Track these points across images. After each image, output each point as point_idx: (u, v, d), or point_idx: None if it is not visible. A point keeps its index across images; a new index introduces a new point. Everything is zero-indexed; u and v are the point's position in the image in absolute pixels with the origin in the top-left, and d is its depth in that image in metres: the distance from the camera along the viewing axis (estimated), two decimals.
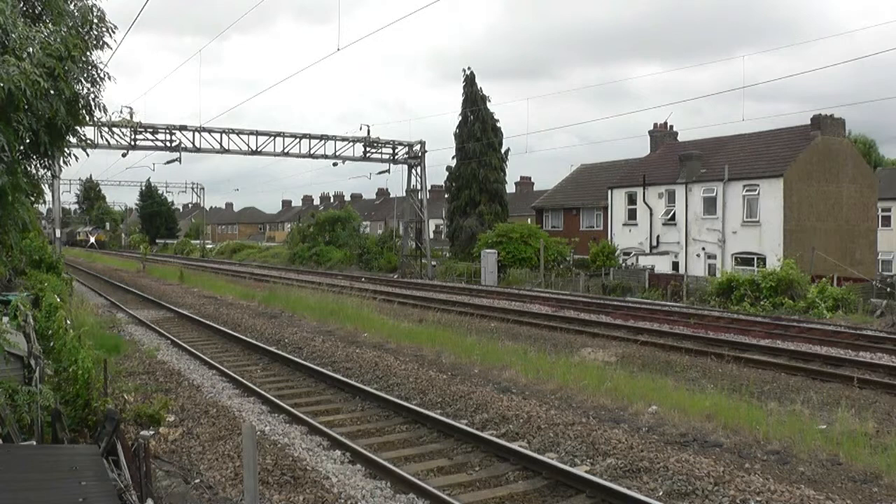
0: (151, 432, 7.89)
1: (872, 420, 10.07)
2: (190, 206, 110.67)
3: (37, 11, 7.49)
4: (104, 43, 7.72)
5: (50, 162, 8.32)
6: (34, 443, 6.97)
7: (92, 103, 7.69)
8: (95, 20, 7.48)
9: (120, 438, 6.94)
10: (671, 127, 44.95)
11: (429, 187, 48.71)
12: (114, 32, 7.80)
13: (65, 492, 5.36)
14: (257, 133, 38.23)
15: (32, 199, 8.60)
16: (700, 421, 9.88)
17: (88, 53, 7.50)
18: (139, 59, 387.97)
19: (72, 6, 7.45)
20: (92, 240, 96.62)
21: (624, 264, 37.01)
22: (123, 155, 36.77)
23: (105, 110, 8.03)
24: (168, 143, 36.57)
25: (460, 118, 47.94)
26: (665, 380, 12.41)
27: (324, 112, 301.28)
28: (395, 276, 43.00)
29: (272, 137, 38.55)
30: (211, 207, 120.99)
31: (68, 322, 11.50)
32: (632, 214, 41.29)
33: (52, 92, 6.52)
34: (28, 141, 7.43)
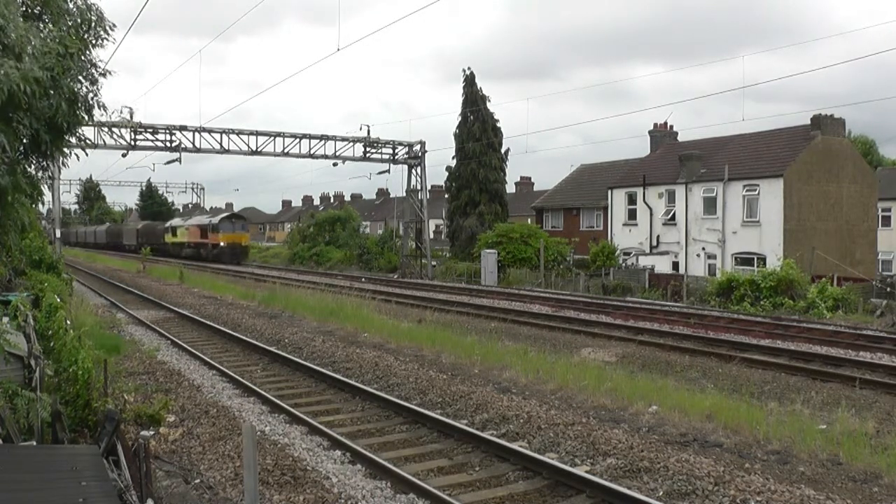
0: (151, 432, 7.88)
1: (872, 420, 10.07)
2: (190, 206, 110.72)
3: (36, 11, 7.49)
4: (103, 40, 7.73)
5: (49, 162, 8.31)
6: (34, 443, 6.96)
7: (91, 101, 7.70)
8: (94, 18, 7.49)
9: (120, 438, 6.94)
10: (671, 127, 44.99)
11: (429, 187, 48.72)
12: (112, 31, 7.81)
13: (65, 492, 5.36)
14: (257, 133, 38.24)
15: (32, 199, 8.58)
16: (700, 421, 9.88)
17: (87, 52, 7.51)
18: (147, 61, 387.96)
19: (70, 5, 7.46)
20: (220, 243, 54.66)
21: (624, 264, 37.00)
22: (123, 155, 36.79)
23: (105, 108, 8.04)
24: (168, 144, 36.57)
25: (460, 118, 47.93)
26: (665, 380, 12.41)
27: (328, 112, 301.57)
28: (395, 276, 42.99)
29: (272, 138, 38.55)
30: (211, 207, 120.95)
31: (68, 322, 11.50)
32: (632, 214, 41.29)
33: (51, 91, 6.52)
34: (26, 141, 7.43)
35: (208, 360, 14.60)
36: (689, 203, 37.67)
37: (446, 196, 51.67)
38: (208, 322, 20.46)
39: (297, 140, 39.08)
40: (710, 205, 36.74)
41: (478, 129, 46.62)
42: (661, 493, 7.40)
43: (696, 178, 37.41)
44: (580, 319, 21.82)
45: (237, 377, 12.86)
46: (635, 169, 43.06)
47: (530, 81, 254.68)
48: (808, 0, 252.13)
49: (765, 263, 32.13)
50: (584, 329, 19.56)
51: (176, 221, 66.51)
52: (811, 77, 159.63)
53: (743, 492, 7.30)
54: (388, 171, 43.35)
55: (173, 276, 37.90)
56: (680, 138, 44.74)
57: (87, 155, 9.56)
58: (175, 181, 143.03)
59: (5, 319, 8.81)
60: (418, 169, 42.95)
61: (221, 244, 55.01)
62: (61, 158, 8.32)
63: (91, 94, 7.70)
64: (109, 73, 7.81)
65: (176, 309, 23.88)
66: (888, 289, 25.10)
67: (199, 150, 37.32)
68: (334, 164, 40.86)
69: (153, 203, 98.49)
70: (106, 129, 33.75)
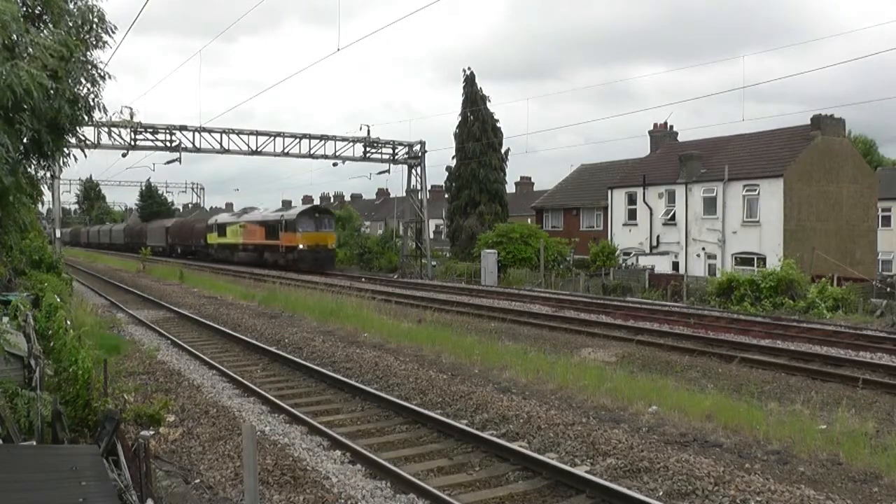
0: (151, 432, 7.88)
1: (872, 420, 10.07)
2: (190, 206, 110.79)
3: (37, 12, 7.49)
4: (104, 42, 7.73)
5: (49, 162, 8.32)
6: (34, 443, 6.97)
7: (92, 102, 7.70)
8: (96, 20, 7.49)
9: (120, 438, 6.94)
10: (671, 127, 45.01)
11: (429, 187, 48.71)
12: (113, 32, 7.81)
13: (65, 492, 5.36)
14: (257, 133, 38.25)
15: (32, 199, 8.59)
16: (700, 421, 9.89)
17: (88, 53, 7.51)
18: (147, 61, 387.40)
19: (71, 5, 7.46)
20: (298, 245, 42.57)
21: (624, 264, 37.02)
22: (123, 155, 36.81)
23: (105, 110, 8.04)
24: (168, 144, 36.57)
25: (460, 118, 47.95)
26: (665, 380, 12.42)
27: (329, 112, 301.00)
28: (395, 276, 42.97)
29: (272, 137, 38.56)
30: (211, 207, 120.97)
31: (68, 322, 11.51)
32: (632, 214, 41.29)
33: (52, 92, 6.52)
34: (27, 141, 7.43)
35: (208, 359, 14.61)
36: (689, 203, 37.67)
37: (446, 196, 51.67)
38: (208, 322, 20.47)
39: (298, 140, 39.09)
40: (710, 205, 36.74)
41: (478, 129, 46.63)
42: (661, 493, 7.40)
43: (696, 178, 37.41)
44: (580, 319, 21.82)
45: (237, 377, 12.86)
46: (635, 169, 43.06)
47: (531, 81, 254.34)
48: (809, 0, 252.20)
49: (765, 263, 32.14)
50: (584, 329, 19.56)
51: (225, 217, 53.90)
52: (812, 77, 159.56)
53: (743, 492, 7.30)
54: (388, 171, 43.36)
55: (173, 276, 37.91)
56: (680, 138, 44.74)
57: (85, 156, 9.56)
58: (175, 181, 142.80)
59: (5, 319, 8.82)
60: (418, 169, 42.95)
61: (300, 247, 42.32)
62: (62, 158, 8.31)
63: (92, 95, 7.70)
64: (109, 76, 7.81)
65: (176, 309, 23.89)
66: (888, 289, 25.12)
67: (199, 150, 37.33)
68: (334, 164, 40.88)
69: (153, 203, 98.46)
70: (106, 129, 33.73)
